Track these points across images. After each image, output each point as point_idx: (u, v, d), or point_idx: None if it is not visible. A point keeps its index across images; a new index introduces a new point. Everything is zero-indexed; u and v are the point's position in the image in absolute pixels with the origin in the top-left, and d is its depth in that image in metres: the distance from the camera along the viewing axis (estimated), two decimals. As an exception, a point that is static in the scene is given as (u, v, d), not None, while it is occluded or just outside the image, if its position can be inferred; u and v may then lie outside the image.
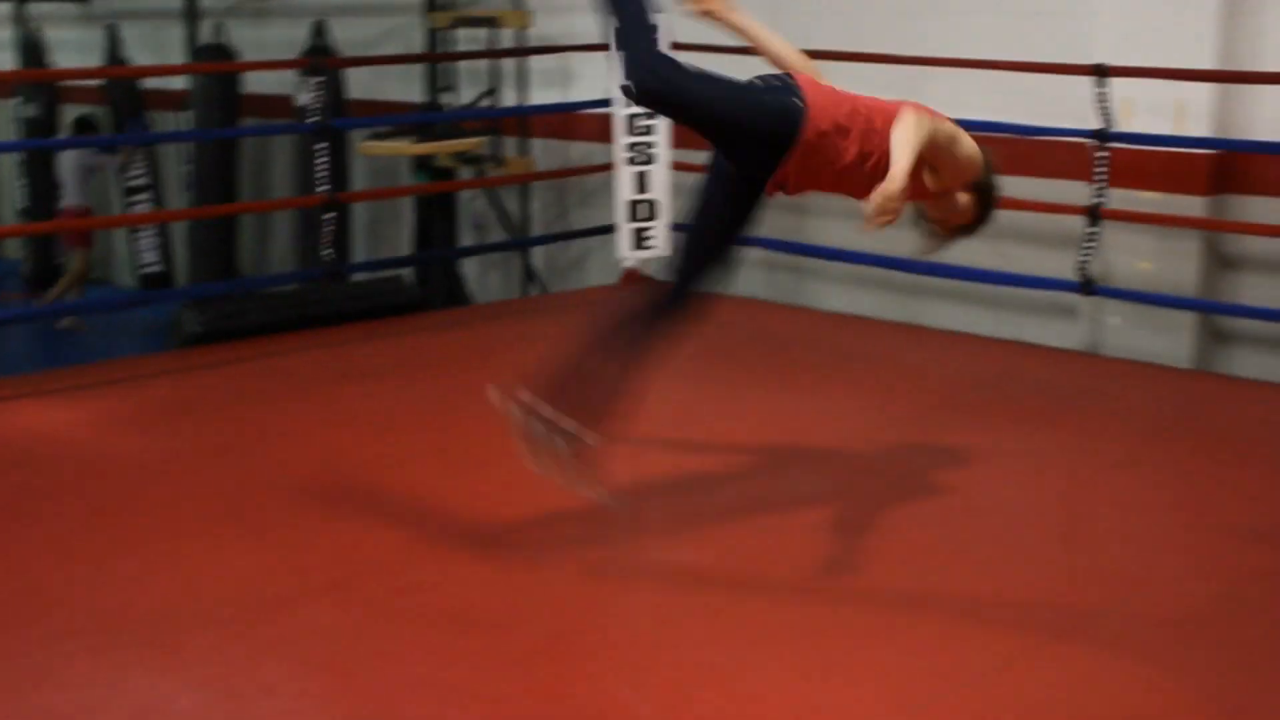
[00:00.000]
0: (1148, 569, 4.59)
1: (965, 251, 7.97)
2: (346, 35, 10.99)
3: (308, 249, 9.89)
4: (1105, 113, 7.09)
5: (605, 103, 8.92)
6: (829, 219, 8.93)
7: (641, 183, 8.58)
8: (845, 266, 8.75)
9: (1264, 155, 7.15)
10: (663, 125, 8.54)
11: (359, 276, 9.45)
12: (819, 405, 6.40)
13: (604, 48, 8.72)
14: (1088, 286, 7.27)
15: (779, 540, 4.81)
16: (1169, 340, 7.31)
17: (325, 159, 8.22)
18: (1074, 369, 7.06)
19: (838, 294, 8.94)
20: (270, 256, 12.52)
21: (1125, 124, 7.22)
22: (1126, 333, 7.44)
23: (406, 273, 9.87)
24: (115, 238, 12.98)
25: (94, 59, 11.83)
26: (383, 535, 4.86)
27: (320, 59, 9.59)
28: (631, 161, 8.57)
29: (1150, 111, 7.19)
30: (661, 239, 8.67)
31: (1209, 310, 7.32)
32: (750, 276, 9.39)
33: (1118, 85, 7.11)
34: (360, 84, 11.09)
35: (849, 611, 4.28)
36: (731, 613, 4.28)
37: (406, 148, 9.53)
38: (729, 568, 4.60)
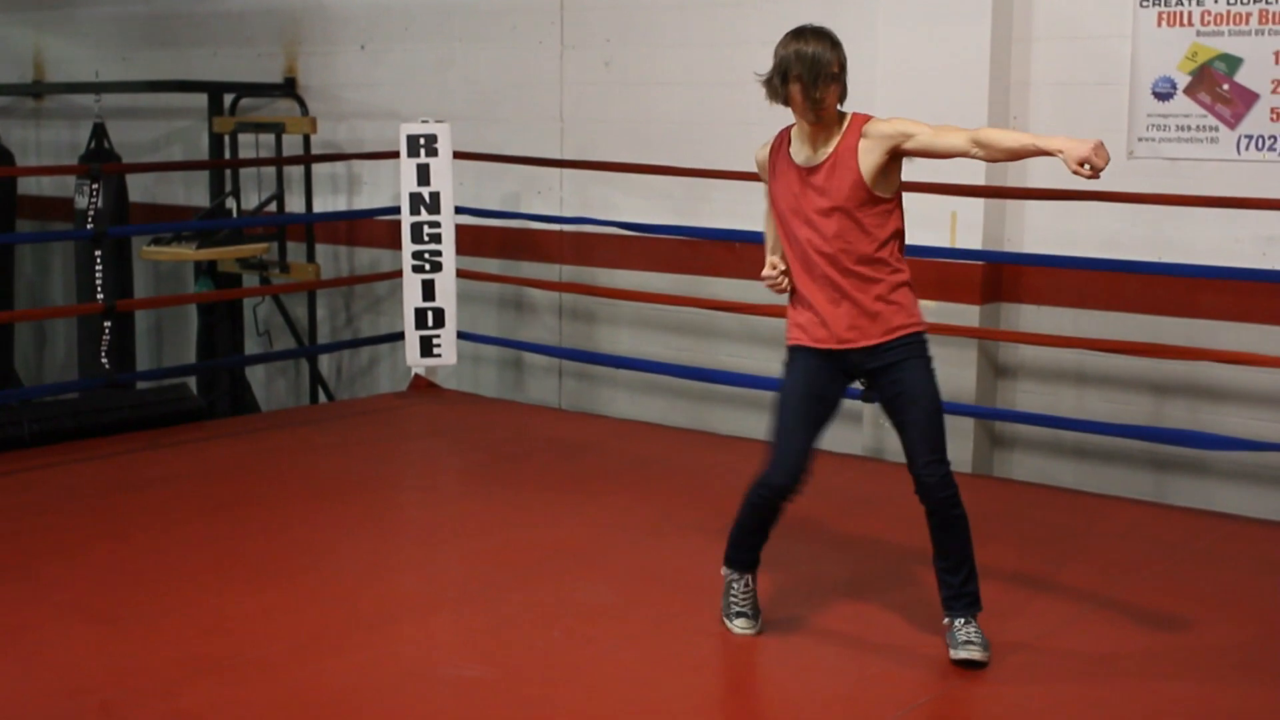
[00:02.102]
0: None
1: (752, 359, 8.15)
2: (128, 138, 10.83)
3: (87, 357, 9.64)
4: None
5: (392, 210, 8.91)
6: (619, 327, 9.02)
7: (429, 290, 8.56)
8: (634, 374, 8.83)
9: (1032, 267, 7.41)
10: (449, 233, 8.55)
11: (142, 384, 9.23)
12: (610, 513, 6.40)
13: (391, 155, 8.75)
14: (869, 393, 7.41)
15: (566, 656, 4.78)
16: (950, 445, 7.42)
17: (103, 265, 8.03)
18: (858, 474, 7.18)
19: (628, 400, 9.00)
20: (49, 364, 12.19)
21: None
22: (907, 438, 7.60)
23: (191, 380, 9.68)
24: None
25: None
26: (159, 654, 4.71)
27: (99, 164, 9.41)
28: (418, 269, 8.56)
29: (925, 224, 7.40)
30: (448, 346, 8.64)
31: (986, 416, 7.52)
32: (541, 383, 9.44)
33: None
34: (143, 187, 10.94)
35: (636, 724, 4.27)
36: (518, 728, 4.24)
37: (189, 253, 9.37)
38: (516, 684, 4.55)
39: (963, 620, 4.66)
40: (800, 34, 4.56)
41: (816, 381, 4.71)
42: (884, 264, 4.65)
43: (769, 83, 4.60)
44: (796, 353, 4.73)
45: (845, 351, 4.65)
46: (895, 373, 4.65)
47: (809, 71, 4.48)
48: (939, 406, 4.68)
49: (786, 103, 4.59)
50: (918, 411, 4.63)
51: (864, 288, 4.62)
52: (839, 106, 4.63)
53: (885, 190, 4.66)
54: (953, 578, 4.67)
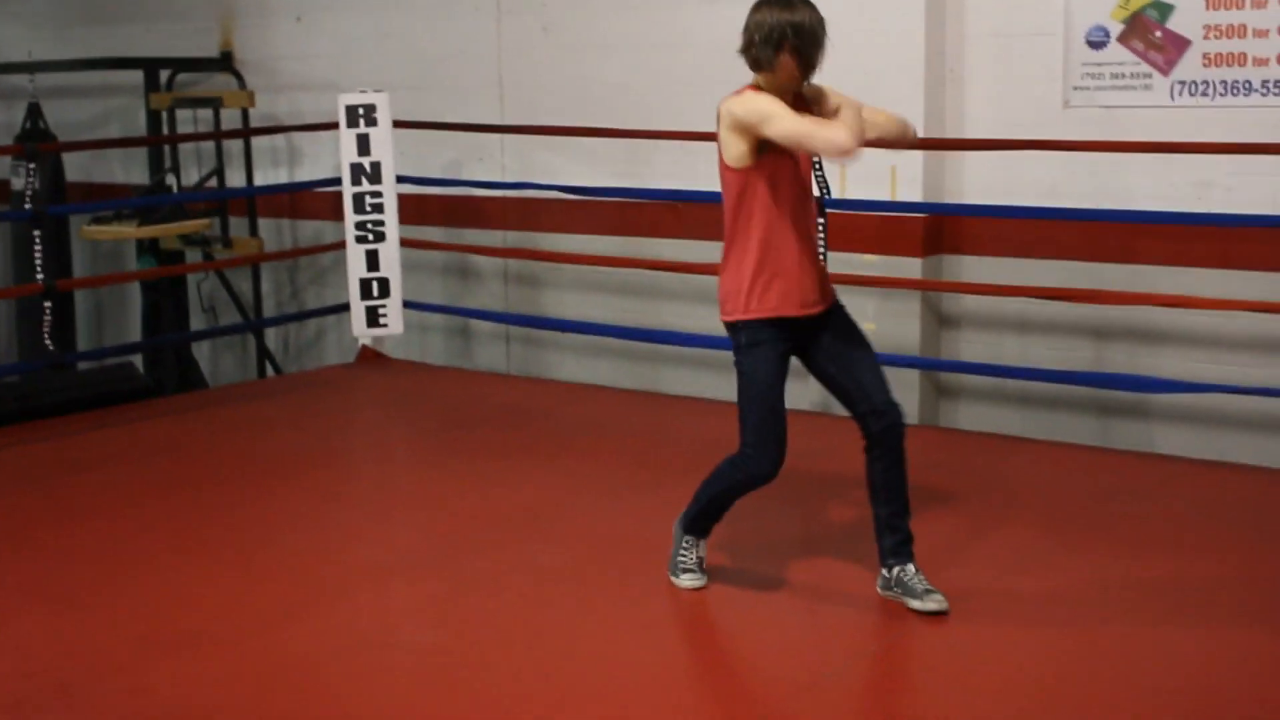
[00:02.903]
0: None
1: (698, 319, 8.18)
2: (64, 117, 10.73)
3: (28, 339, 9.58)
4: (822, 180, 7.31)
5: (333, 181, 8.88)
6: (564, 291, 9.03)
7: (373, 260, 8.54)
8: (581, 337, 8.84)
9: (973, 218, 7.47)
10: (390, 202, 8.53)
11: (86, 364, 9.18)
12: (561, 476, 6.43)
13: (330, 126, 8.72)
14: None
15: (522, 620, 4.81)
16: (896, 397, 7.52)
17: (42, 246, 7.96)
18: (807, 429, 7.19)
19: (576, 364, 9.02)
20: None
21: (841, 191, 7.49)
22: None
23: (137, 359, 9.63)
24: None
25: None
26: (116, 633, 4.72)
27: (34, 143, 9.33)
28: (361, 240, 8.53)
29: (866, 179, 7.44)
30: (394, 316, 8.63)
31: (931, 367, 7.58)
32: (487, 349, 9.45)
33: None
34: (80, 167, 10.85)
35: (591, 686, 4.31)
36: (472, 689, 4.26)
37: (130, 231, 9.32)
38: (470, 645, 4.58)
39: (913, 567, 4.73)
40: (789, 3, 4.54)
41: (785, 362, 4.77)
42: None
43: (750, 49, 4.58)
44: (765, 329, 4.69)
45: (805, 318, 4.71)
46: (834, 324, 4.79)
47: (806, 42, 4.51)
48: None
49: (768, 69, 4.56)
50: (867, 354, 4.77)
51: (814, 250, 4.76)
52: None
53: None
54: (901, 521, 4.75)
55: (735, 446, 4.82)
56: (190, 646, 4.58)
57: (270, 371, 10.22)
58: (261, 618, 4.82)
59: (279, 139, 10.17)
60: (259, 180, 10.15)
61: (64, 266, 9.98)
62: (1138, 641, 4.52)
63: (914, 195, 7.45)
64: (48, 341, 7.80)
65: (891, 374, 7.35)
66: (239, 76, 10.24)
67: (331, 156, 9.19)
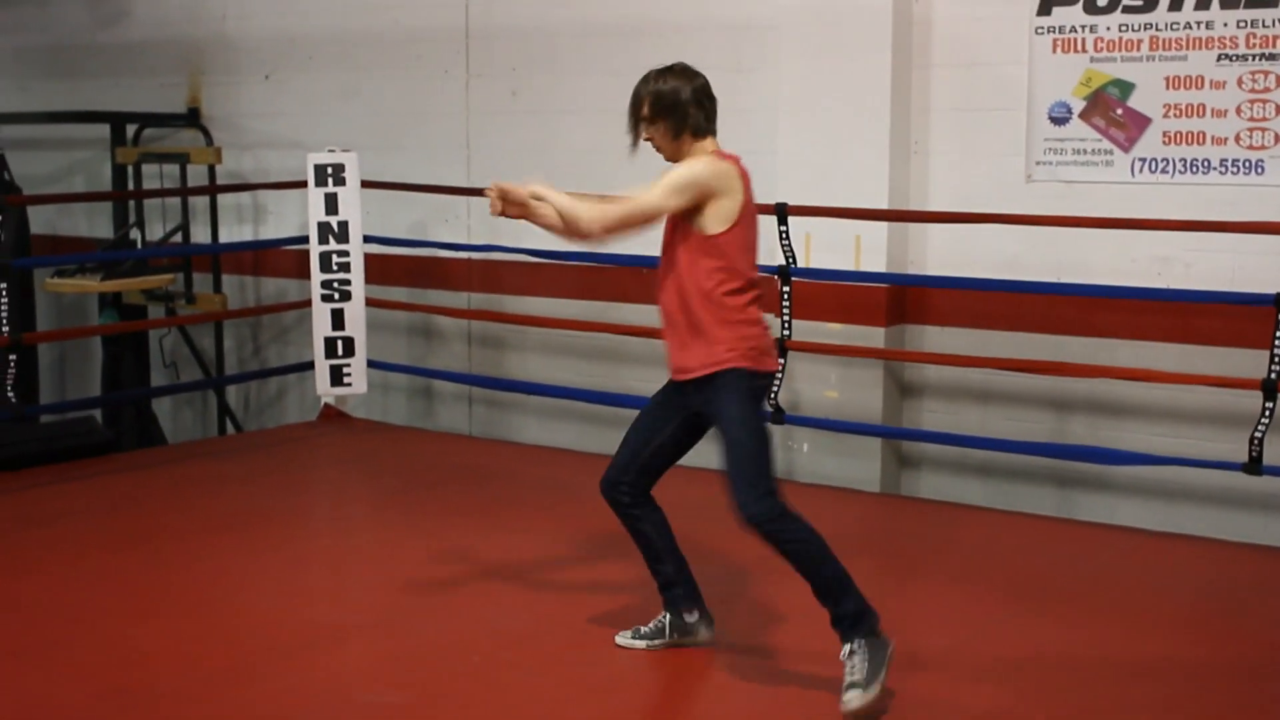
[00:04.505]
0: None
1: (660, 383, 8.20)
2: (29, 170, 10.71)
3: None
4: (788, 249, 7.37)
5: (299, 239, 8.89)
6: (528, 353, 9.04)
7: (338, 319, 8.54)
8: (544, 400, 8.85)
9: (935, 289, 7.54)
10: (357, 262, 8.54)
11: (47, 418, 9.12)
12: (522, 538, 6.42)
13: (298, 184, 8.74)
14: (777, 415, 7.51)
15: (482, 681, 4.80)
16: (857, 465, 7.59)
17: (7, 298, 7.92)
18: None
19: (538, 426, 9.03)
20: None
21: (805, 259, 7.55)
22: (816, 459, 7.69)
23: (97, 413, 9.58)
24: None
25: None
26: (71, 687, 4.68)
27: (1, 195, 9.30)
28: (327, 298, 8.53)
29: (830, 248, 7.51)
30: (359, 375, 8.62)
31: (893, 436, 7.62)
32: (451, 411, 9.44)
33: (799, 223, 7.41)
34: (44, 220, 10.83)
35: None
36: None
37: (94, 285, 9.30)
38: (430, 706, 4.57)
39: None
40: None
41: (664, 400, 5.11)
42: None
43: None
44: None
45: (678, 381, 4.93)
46: (705, 412, 4.87)
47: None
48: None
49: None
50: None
51: (679, 319, 4.91)
52: (694, 140, 5.07)
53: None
54: None
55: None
56: (147, 702, 4.56)
57: (231, 429, 10.19)
58: (221, 676, 4.80)
59: (245, 196, 10.19)
60: (224, 237, 10.14)
61: (28, 319, 9.93)
62: (1092, 710, 4.54)
63: (878, 265, 7.51)
64: (10, 394, 7.75)
65: (854, 442, 7.51)
66: (206, 133, 10.26)
67: (296, 215, 9.22)
